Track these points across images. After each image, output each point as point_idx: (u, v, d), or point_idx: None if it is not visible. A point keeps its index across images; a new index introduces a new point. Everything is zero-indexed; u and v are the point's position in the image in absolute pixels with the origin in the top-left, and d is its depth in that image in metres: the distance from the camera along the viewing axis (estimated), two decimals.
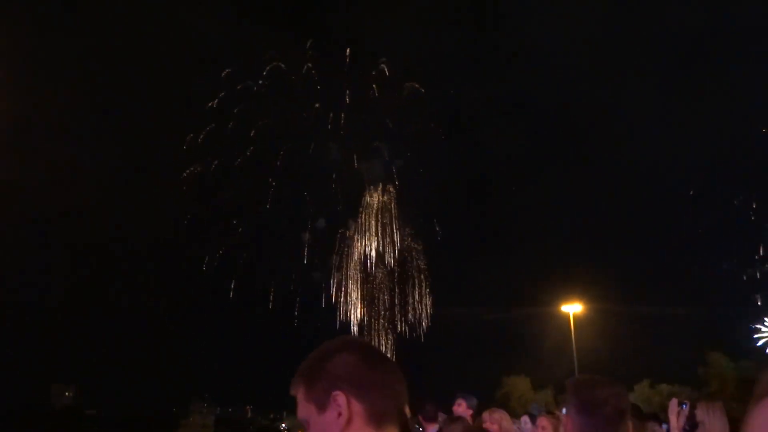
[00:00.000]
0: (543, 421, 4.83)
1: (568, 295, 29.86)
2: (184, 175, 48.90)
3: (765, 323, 43.20)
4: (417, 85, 47.14)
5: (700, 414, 4.18)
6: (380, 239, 49.81)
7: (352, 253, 50.50)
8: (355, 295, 51.07)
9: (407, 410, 1.23)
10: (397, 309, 50.27)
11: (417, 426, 6.03)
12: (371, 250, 49.98)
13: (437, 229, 48.13)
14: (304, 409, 1.24)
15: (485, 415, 5.49)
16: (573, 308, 28.80)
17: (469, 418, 5.67)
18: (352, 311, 51.42)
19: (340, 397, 1.19)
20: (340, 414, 1.18)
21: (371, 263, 50.32)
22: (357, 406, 1.18)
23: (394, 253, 49.94)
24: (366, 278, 50.61)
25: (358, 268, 50.73)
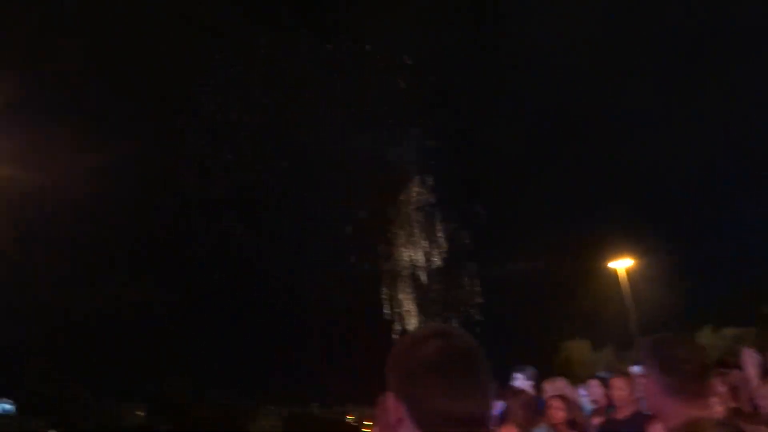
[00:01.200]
0: (618, 382, 4.66)
1: (616, 250, 29.30)
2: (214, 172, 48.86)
3: None
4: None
5: None
6: (421, 226, 49.54)
7: (396, 246, 50.37)
8: (402, 288, 51.01)
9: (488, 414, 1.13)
10: (445, 294, 50.02)
11: None
12: (415, 239, 49.76)
13: (478, 209, 47.56)
14: None
15: (546, 385, 5.40)
16: (622, 263, 28.25)
17: (531, 390, 5.58)
18: (402, 304, 51.42)
19: (390, 399, 1.16)
20: (392, 414, 1.15)
21: (416, 253, 50.10)
22: (404, 410, 1.14)
23: (437, 240, 49.65)
24: (413, 268, 50.44)
25: (404, 259, 50.51)
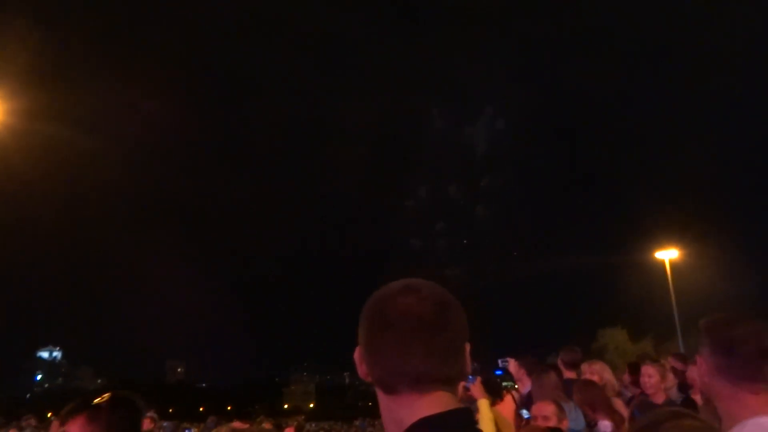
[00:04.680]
0: (649, 370, 4.62)
1: (663, 239, 28.50)
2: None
3: None
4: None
5: None
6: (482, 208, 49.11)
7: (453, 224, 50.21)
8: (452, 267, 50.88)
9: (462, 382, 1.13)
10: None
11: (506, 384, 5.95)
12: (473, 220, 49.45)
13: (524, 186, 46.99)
14: None
15: (584, 366, 5.34)
16: (669, 254, 27.47)
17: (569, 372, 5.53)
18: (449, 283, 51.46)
19: (356, 353, 1.17)
20: (358, 368, 1.16)
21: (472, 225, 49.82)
22: (366, 364, 1.14)
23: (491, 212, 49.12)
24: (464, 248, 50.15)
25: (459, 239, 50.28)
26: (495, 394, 4.88)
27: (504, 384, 5.79)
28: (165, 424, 9.59)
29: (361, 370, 1.15)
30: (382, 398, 1.12)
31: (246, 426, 7.01)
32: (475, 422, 1.14)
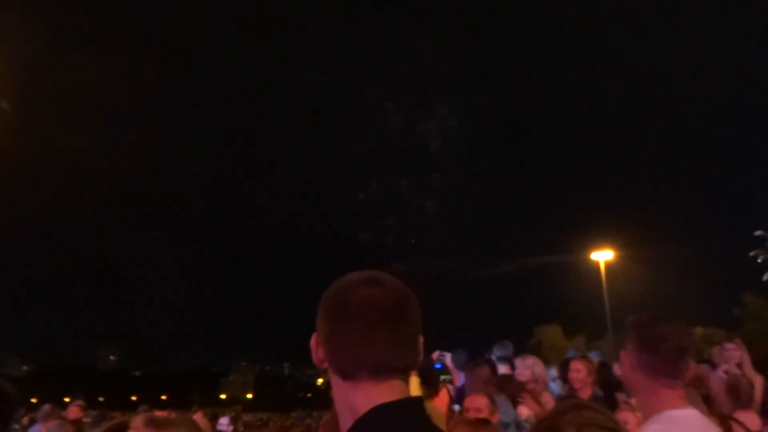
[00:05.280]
0: (577, 365, 4.82)
1: (599, 241, 29.59)
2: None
3: None
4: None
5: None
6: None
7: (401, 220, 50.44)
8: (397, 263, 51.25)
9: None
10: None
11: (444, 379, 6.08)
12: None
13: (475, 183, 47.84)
14: None
15: (518, 361, 5.50)
16: (604, 255, 28.53)
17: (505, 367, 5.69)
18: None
19: (313, 339, 1.19)
20: (313, 354, 1.19)
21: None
22: (324, 351, 1.17)
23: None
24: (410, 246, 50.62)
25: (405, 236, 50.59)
26: (432, 388, 4.97)
27: (441, 378, 5.90)
28: (93, 413, 9.30)
29: (317, 356, 1.17)
30: (339, 384, 1.14)
31: (167, 415, 6.84)
32: (426, 410, 1.17)
